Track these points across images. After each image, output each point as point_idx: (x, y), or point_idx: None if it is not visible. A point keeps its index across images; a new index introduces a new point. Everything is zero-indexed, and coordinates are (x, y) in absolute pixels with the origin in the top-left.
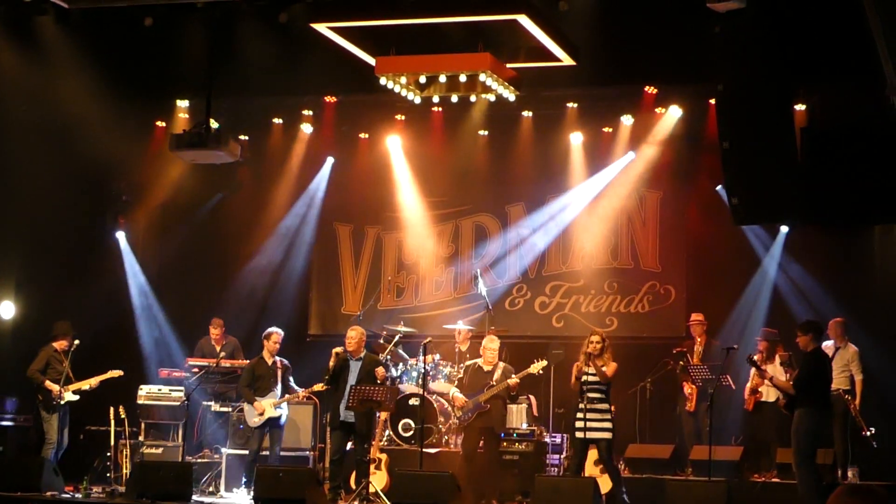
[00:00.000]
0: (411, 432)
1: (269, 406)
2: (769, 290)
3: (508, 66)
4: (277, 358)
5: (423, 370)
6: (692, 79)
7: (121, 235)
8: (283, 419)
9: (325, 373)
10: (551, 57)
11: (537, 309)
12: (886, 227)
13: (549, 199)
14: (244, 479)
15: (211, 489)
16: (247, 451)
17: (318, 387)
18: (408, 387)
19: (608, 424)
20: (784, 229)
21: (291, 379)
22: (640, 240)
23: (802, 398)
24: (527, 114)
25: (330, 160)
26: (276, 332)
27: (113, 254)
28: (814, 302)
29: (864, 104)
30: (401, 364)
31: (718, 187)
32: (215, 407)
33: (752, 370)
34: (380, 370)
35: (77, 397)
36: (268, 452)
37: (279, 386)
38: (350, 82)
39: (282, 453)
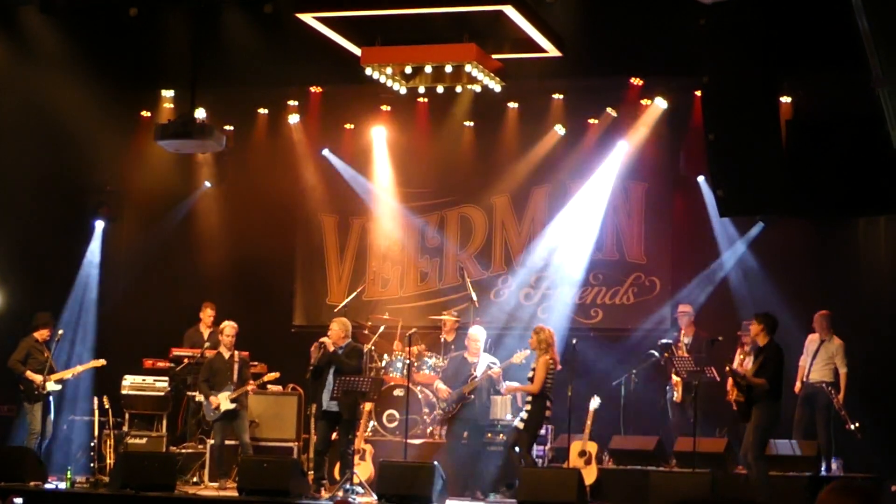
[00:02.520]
0: (396, 423)
1: (225, 400)
2: (753, 282)
3: (494, 56)
4: (236, 351)
5: (407, 361)
6: (677, 70)
7: (104, 226)
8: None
9: (309, 364)
10: (537, 48)
11: (522, 300)
12: (871, 219)
13: (534, 191)
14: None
15: (195, 480)
16: (233, 442)
17: (270, 376)
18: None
19: (523, 415)
20: (762, 223)
21: (249, 372)
22: (625, 231)
23: (766, 393)
24: (512, 105)
25: (318, 151)
26: (228, 325)
27: (96, 244)
28: (797, 294)
29: (849, 96)
30: (386, 355)
31: (703, 178)
32: (199, 397)
33: (736, 363)
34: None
35: (59, 387)
36: (238, 443)
37: (236, 379)
38: (336, 73)
39: (266, 444)
